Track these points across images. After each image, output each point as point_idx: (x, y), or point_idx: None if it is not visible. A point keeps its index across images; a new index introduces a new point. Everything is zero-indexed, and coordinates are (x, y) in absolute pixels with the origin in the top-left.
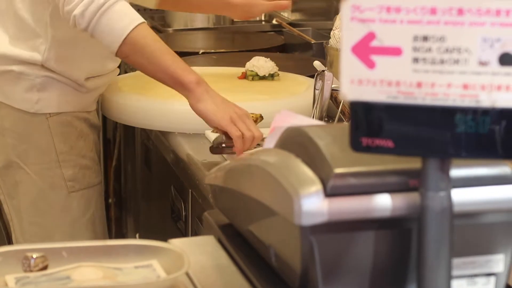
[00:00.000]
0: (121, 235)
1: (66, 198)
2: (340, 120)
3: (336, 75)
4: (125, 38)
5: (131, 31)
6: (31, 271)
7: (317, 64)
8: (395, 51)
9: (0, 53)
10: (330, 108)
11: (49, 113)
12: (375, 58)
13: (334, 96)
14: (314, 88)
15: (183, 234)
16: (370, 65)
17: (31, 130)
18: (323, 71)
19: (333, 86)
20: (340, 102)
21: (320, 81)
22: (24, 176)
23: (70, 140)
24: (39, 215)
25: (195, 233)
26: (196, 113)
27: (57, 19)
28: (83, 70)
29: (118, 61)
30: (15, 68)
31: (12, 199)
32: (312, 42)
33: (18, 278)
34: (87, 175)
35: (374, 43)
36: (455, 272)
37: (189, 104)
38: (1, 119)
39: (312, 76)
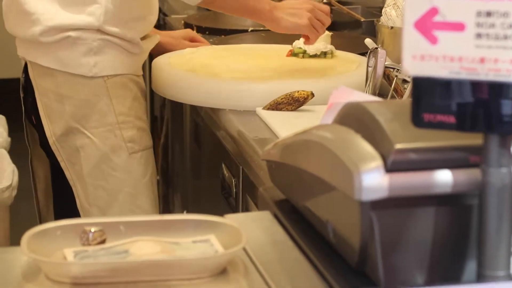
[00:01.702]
0: (168, 212)
1: (127, 159)
2: (392, 97)
3: (387, 52)
4: None
5: None
6: (89, 244)
7: (368, 41)
8: (458, 27)
9: (55, 24)
10: (382, 86)
11: (107, 76)
12: (437, 33)
13: (386, 74)
14: (367, 65)
15: (233, 211)
16: (433, 40)
17: (90, 94)
18: (376, 48)
19: (387, 63)
20: (393, 80)
21: (373, 58)
22: (85, 140)
23: (127, 102)
24: (103, 178)
25: (246, 209)
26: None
27: None
28: (136, 29)
29: (156, 16)
30: (72, 33)
31: (73, 165)
32: (362, 20)
33: (77, 252)
34: (144, 137)
35: (437, 19)
36: None
37: (270, 28)
38: (58, 87)
39: (362, 54)
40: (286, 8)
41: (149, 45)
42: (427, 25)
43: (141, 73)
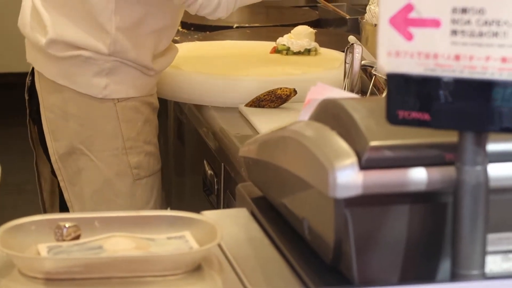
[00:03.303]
0: None
1: (131, 186)
2: (372, 94)
3: (371, 51)
4: None
5: None
6: (63, 240)
7: (352, 38)
8: (434, 23)
9: (68, 40)
10: (364, 83)
11: (117, 99)
12: (413, 30)
13: (368, 72)
14: (345, 61)
15: (214, 207)
16: (408, 37)
17: (98, 116)
18: (353, 44)
19: (364, 62)
20: (373, 76)
21: (350, 54)
22: (89, 163)
23: (137, 127)
24: (104, 203)
25: (227, 206)
26: None
27: (124, 2)
28: (148, 51)
29: (176, 27)
30: (84, 53)
31: (73, 186)
32: (347, 17)
33: (51, 247)
34: (151, 162)
35: (412, 15)
36: (489, 248)
37: None
38: (65, 104)
39: None
40: None
41: (166, 63)
42: (403, 21)
43: (155, 90)
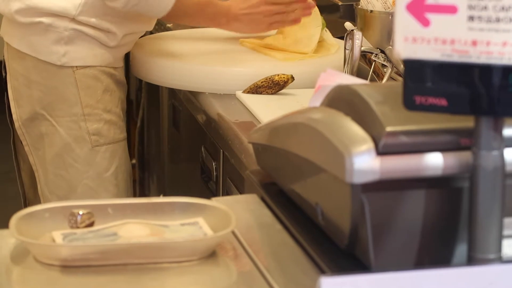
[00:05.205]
0: (144, 196)
1: (89, 152)
2: (372, 80)
3: (367, 37)
4: (173, 6)
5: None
6: (77, 227)
7: (348, 25)
8: (451, 9)
9: (32, 5)
10: (361, 69)
11: (76, 66)
12: (430, 16)
13: (368, 58)
14: (345, 48)
15: (213, 194)
16: (425, 23)
17: (58, 83)
18: (352, 30)
19: (364, 48)
20: (373, 63)
21: (350, 40)
22: (50, 128)
23: (96, 94)
24: (63, 167)
25: (227, 193)
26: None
27: None
28: (115, 23)
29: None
30: (44, 20)
31: (37, 151)
32: (340, 3)
33: (65, 234)
34: (112, 130)
35: (429, 1)
36: (505, 232)
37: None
38: (28, 71)
39: (340, 38)
40: (241, 15)
41: (131, 38)
42: (420, 7)
43: (120, 65)
